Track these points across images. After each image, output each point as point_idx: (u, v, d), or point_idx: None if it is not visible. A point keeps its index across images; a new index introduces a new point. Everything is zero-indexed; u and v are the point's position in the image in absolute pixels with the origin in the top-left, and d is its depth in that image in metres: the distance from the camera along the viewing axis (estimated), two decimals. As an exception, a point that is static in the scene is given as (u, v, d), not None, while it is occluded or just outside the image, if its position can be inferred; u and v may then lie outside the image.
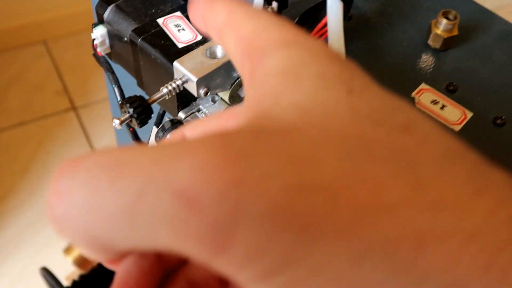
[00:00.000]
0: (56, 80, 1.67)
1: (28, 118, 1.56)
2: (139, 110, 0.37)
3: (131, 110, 0.37)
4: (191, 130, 0.22)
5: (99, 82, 1.68)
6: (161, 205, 0.14)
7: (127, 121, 0.38)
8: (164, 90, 0.39)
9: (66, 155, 1.49)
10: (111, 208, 0.14)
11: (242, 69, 0.19)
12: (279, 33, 0.18)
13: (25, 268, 1.26)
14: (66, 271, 1.25)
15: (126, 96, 0.45)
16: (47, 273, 0.79)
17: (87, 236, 0.15)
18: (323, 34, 0.36)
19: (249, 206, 0.13)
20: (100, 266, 0.88)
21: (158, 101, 0.39)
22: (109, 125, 1.57)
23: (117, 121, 0.37)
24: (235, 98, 0.44)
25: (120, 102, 0.41)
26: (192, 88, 0.39)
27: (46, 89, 1.65)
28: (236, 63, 0.20)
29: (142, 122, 0.38)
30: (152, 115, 0.39)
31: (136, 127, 0.39)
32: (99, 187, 0.14)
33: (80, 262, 0.20)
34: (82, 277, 0.84)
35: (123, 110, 0.38)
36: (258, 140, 0.15)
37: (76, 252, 0.21)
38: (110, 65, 0.44)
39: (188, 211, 0.13)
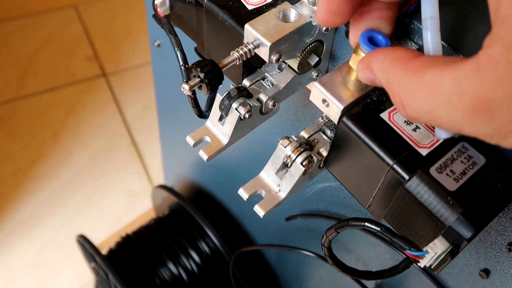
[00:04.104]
0: (87, 45, 1.65)
1: (58, 83, 1.55)
2: (210, 75, 0.35)
3: (201, 75, 0.35)
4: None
5: (129, 48, 1.66)
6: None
7: (196, 87, 0.36)
8: (235, 54, 0.36)
9: (96, 121, 1.48)
10: None
11: None
12: None
13: (56, 233, 1.27)
14: (96, 238, 1.25)
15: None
16: (85, 241, 0.78)
17: None
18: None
19: None
20: (136, 234, 0.87)
21: (228, 66, 0.37)
22: (139, 92, 1.56)
23: (186, 87, 0.35)
24: (304, 66, 0.41)
25: (184, 66, 0.38)
26: (264, 53, 0.37)
27: (76, 54, 1.63)
28: None
29: (213, 88, 0.36)
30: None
31: (205, 93, 0.36)
32: None
33: None
34: (118, 245, 0.83)
35: (192, 74, 0.36)
36: None
37: None
38: (172, 27, 0.41)
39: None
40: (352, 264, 0.58)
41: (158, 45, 0.70)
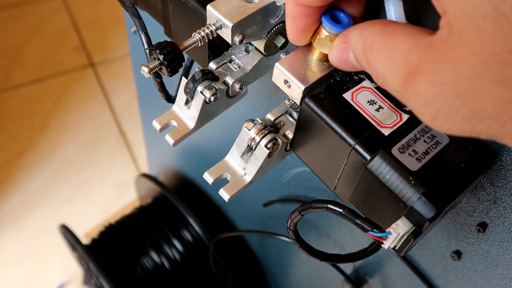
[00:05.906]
0: (74, 35, 1.64)
1: (46, 74, 1.54)
2: (170, 57, 0.34)
3: (161, 57, 0.34)
4: None
5: (117, 38, 1.65)
6: None
7: (156, 69, 0.35)
8: (197, 36, 0.36)
9: (84, 111, 1.48)
10: None
11: None
12: None
13: (45, 224, 1.26)
14: (85, 228, 1.25)
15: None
16: (67, 231, 0.78)
17: None
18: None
19: None
20: (119, 224, 0.87)
21: (189, 48, 0.36)
22: (127, 82, 1.55)
23: (145, 69, 0.34)
24: (271, 48, 0.40)
25: (148, 49, 0.38)
26: (226, 34, 0.36)
27: (64, 44, 1.62)
28: None
29: (173, 70, 0.35)
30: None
31: (166, 76, 0.36)
32: None
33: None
34: (101, 235, 0.83)
35: (152, 57, 0.35)
36: None
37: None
38: (137, 10, 0.41)
39: None
40: (330, 249, 0.58)
41: (135, 32, 0.69)
